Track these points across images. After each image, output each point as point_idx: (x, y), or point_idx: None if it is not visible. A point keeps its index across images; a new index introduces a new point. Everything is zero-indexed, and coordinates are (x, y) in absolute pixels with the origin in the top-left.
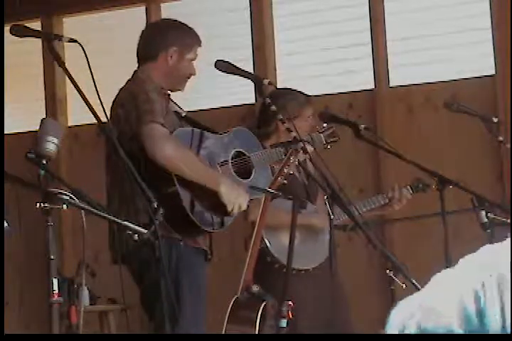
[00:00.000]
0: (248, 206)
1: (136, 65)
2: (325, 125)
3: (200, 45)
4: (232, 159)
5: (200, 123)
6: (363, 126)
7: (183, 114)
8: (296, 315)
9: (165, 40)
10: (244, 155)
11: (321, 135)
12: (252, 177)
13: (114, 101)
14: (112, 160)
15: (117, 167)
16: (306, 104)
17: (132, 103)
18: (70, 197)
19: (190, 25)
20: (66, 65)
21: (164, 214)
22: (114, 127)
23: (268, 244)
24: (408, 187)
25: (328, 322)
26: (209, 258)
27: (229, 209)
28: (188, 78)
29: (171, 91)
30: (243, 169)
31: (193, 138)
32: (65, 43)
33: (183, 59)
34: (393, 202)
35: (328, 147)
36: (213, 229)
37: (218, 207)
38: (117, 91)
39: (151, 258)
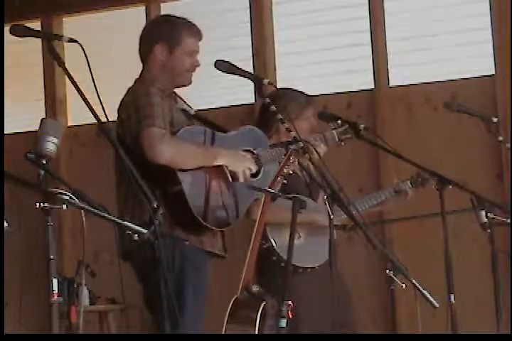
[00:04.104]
0: (251, 205)
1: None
2: (339, 122)
3: (197, 37)
4: None
5: (210, 121)
6: (362, 126)
7: (192, 112)
8: (301, 314)
9: (149, 38)
10: (253, 153)
11: (334, 132)
12: (260, 175)
13: (121, 102)
14: (119, 159)
15: (124, 166)
16: (307, 105)
17: (134, 105)
18: (70, 197)
19: (174, 15)
20: (66, 65)
21: (170, 213)
22: (119, 127)
23: (273, 243)
24: (408, 181)
25: (333, 322)
26: (222, 255)
27: (240, 177)
28: (190, 71)
29: (176, 87)
30: None
31: (206, 137)
32: (65, 43)
33: (173, 53)
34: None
35: (342, 144)
36: (220, 227)
37: (225, 204)
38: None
39: (154, 257)
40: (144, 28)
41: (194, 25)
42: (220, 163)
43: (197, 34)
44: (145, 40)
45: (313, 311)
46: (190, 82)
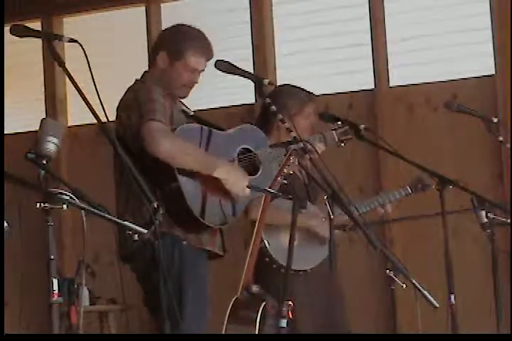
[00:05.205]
0: (249, 205)
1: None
2: (339, 123)
3: (203, 56)
4: (238, 156)
5: (208, 121)
6: (362, 126)
7: (191, 113)
8: (295, 315)
9: (158, 43)
10: (251, 151)
11: (334, 132)
12: (258, 173)
13: (120, 101)
14: (119, 159)
15: (124, 166)
16: (307, 101)
17: (135, 102)
18: (70, 197)
19: (194, 28)
20: (66, 64)
21: (168, 210)
22: (119, 125)
23: (267, 245)
24: (407, 187)
25: (326, 323)
26: (221, 254)
27: (233, 193)
28: (186, 86)
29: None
30: (250, 166)
31: (202, 135)
32: (65, 43)
33: (174, 65)
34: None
35: (342, 145)
36: (217, 225)
37: (223, 202)
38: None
39: (154, 257)
40: (161, 32)
41: (205, 43)
42: (217, 176)
43: (203, 53)
44: (155, 44)
45: (308, 311)
46: (185, 96)
